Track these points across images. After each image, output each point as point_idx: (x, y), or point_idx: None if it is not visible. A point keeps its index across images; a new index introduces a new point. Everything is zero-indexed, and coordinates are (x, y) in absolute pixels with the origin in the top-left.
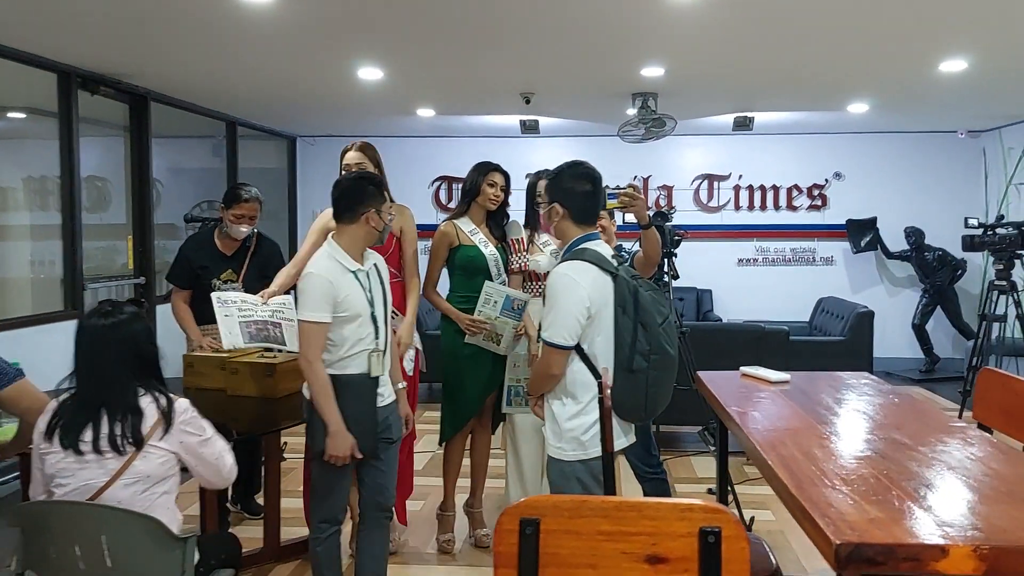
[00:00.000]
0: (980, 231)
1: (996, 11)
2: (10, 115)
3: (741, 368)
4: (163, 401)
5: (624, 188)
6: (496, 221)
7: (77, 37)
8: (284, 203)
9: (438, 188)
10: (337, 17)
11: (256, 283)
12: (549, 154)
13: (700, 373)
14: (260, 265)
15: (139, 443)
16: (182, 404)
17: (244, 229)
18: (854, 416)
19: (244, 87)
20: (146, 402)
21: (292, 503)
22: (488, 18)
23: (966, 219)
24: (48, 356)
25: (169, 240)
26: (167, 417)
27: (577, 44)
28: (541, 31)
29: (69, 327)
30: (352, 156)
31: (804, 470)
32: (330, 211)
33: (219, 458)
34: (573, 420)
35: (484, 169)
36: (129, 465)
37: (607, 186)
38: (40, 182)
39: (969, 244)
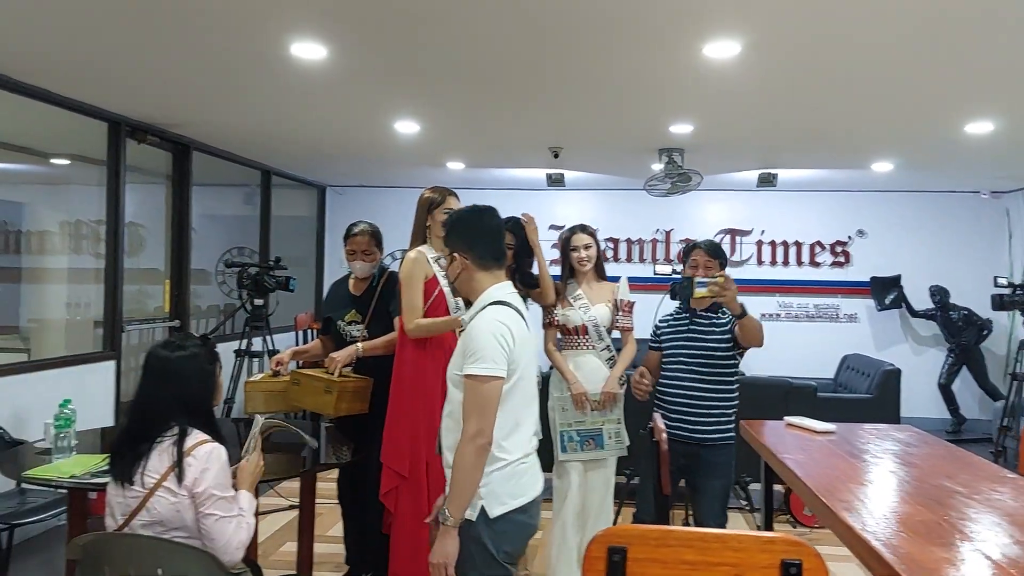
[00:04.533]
0: (1010, 290)
1: None
2: (53, 161)
3: (786, 418)
4: (187, 440)
5: (715, 278)
6: (520, 274)
7: (129, 88)
8: (312, 251)
9: None
10: (383, 71)
11: (382, 322)
12: (574, 207)
13: (745, 422)
14: (387, 303)
15: (138, 473)
16: (207, 448)
17: (358, 265)
18: (903, 466)
19: (282, 138)
20: (167, 442)
21: (329, 547)
22: (525, 75)
23: (995, 278)
24: (90, 395)
25: (199, 285)
26: (179, 460)
27: (610, 102)
28: (576, 89)
29: (108, 367)
30: (456, 202)
31: (866, 514)
32: (420, 255)
33: (221, 526)
34: None
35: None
36: (144, 505)
37: (696, 278)
38: (76, 226)
39: (999, 303)
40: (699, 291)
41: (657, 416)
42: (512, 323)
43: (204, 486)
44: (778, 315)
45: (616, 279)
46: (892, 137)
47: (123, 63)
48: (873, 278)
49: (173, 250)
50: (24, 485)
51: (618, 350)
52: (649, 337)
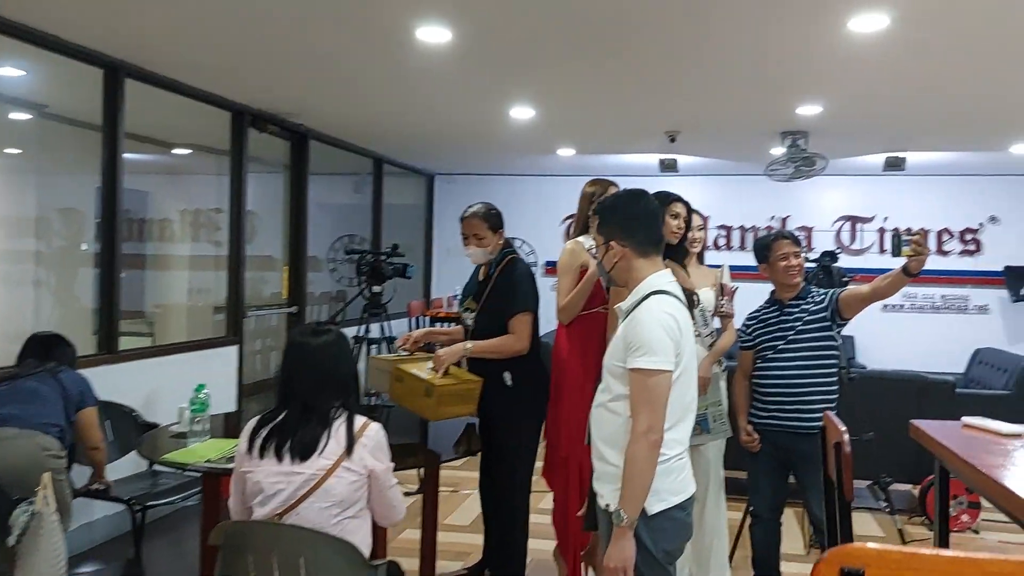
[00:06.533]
0: None
1: None
2: (175, 151)
3: (963, 419)
4: (355, 422)
5: (914, 236)
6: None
7: (254, 78)
8: (421, 239)
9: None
10: (504, 54)
11: (492, 313)
12: (687, 192)
13: (918, 422)
14: (499, 293)
15: (316, 453)
16: (374, 427)
17: (469, 251)
18: None
19: (395, 125)
20: (337, 423)
21: (447, 536)
22: (646, 54)
23: None
24: (214, 379)
25: (311, 272)
26: (350, 438)
27: (735, 82)
28: (700, 68)
29: (231, 352)
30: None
31: None
32: (576, 245)
33: (396, 492)
34: None
35: (664, 200)
36: (321, 485)
37: (896, 231)
38: (195, 215)
39: None
40: (904, 249)
41: (831, 415)
42: (678, 313)
43: (384, 463)
44: (901, 306)
45: (716, 266)
46: None
47: (250, 54)
48: (1007, 267)
49: (291, 238)
50: (156, 467)
51: None
52: (741, 335)
